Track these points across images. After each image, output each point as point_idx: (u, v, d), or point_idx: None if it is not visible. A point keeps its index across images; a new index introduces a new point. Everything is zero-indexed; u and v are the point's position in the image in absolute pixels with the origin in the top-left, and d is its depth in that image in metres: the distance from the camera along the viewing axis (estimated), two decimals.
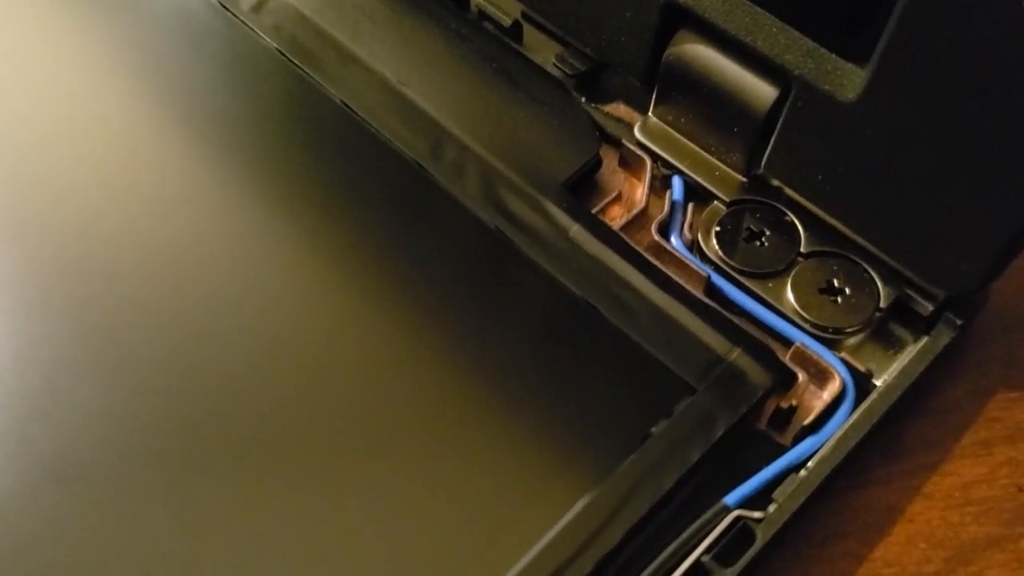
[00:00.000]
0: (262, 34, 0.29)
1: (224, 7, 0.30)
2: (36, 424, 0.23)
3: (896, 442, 0.25)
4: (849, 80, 0.23)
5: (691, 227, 0.27)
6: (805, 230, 0.26)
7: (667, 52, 0.26)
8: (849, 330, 0.25)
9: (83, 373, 0.24)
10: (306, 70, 0.29)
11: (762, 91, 0.25)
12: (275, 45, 0.29)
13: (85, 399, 0.24)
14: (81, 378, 0.24)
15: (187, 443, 0.24)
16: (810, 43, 0.24)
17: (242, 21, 0.30)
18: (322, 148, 0.28)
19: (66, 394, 0.24)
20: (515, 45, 0.30)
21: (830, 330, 0.25)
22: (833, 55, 0.24)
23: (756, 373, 0.24)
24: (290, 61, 0.29)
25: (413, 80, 0.28)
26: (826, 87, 0.24)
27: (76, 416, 0.24)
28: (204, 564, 0.22)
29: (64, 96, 0.29)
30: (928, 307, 0.25)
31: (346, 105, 0.28)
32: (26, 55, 0.30)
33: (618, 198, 0.27)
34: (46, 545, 0.22)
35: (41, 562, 0.22)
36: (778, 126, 0.25)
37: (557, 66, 0.29)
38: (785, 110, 0.25)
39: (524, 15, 0.30)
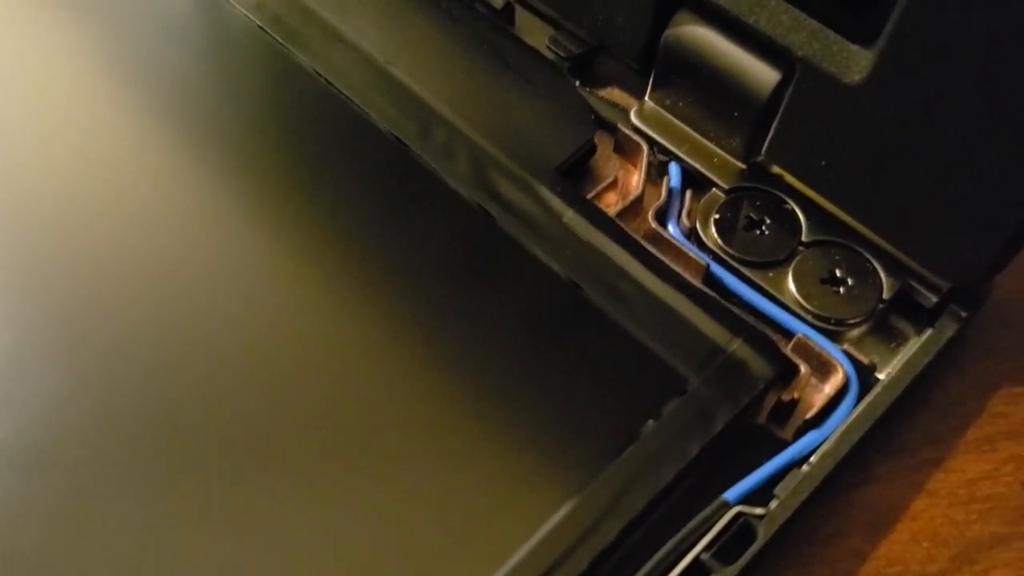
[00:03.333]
0: (244, 10, 0.28)
1: None
2: None
3: (899, 437, 0.24)
4: (855, 62, 0.23)
5: (689, 215, 0.26)
6: (806, 219, 0.25)
7: (665, 34, 0.25)
8: (851, 321, 0.24)
9: (47, 356, 0.23)
10: (289, 48, 0.27)
11: (764, 74, 0.24)
12: (257, 22, 0.28)
13: (49, 383, 0.23)
14: (45, 361, 0.23)
15: (157, 429, 0.22)
16: (815, 23, 0.23)
17: None
18: (305, 128, 0.27)
19: (28, 377, 0.23)
20: (507, 27, 0.29)
21: (832, 321, 0.24)
22: (839, 36, 0.23)
23: (757, 364, 0.23)
24: (273, 39, 0.28)
25: (401, 59, 0.27)
26: (831, 69, 0.23)
27: (38, 400, 0.22)
28: (172, 555, 0.21)
29: (39, 74, 0.28)
30: (932, 298, 0.24)
31: (331, 84, 0.27)
32: None
33: (613, 185, 0.26)
34: (3, 533, 0.21)
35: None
36: (780, 110, 0.24)
37: (550, 48, 0.28)
38: (788, 94, 0.24)
39: None
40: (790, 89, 0.24)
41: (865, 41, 0.22)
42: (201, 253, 0.25)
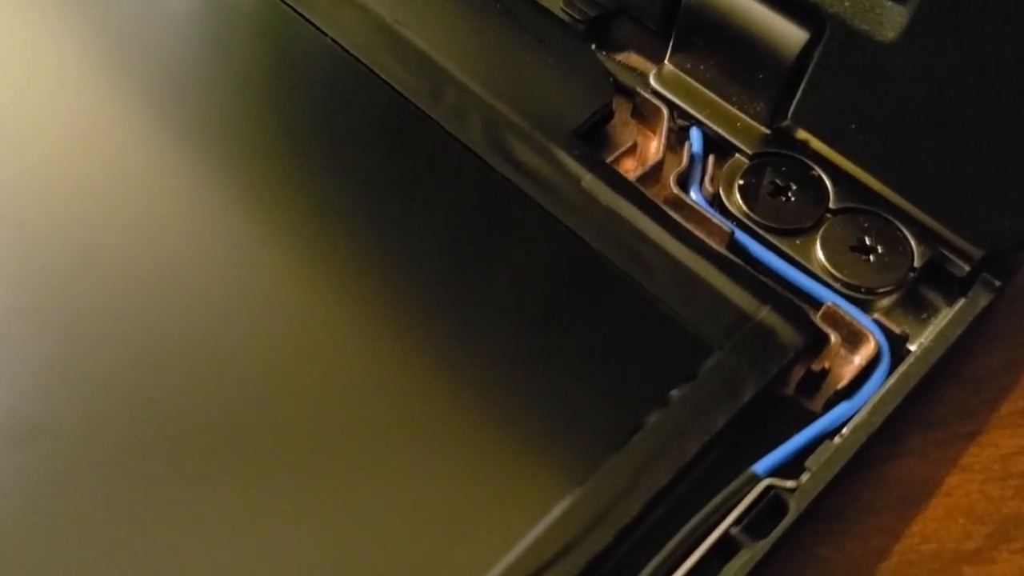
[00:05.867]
0: None
1: None
2: None
3: (931, 411, 0.23)
4: (889, 18, 0.22)
5: (712, 181, 0.25)
6: (833, 185, 0.24)
7: None
8: (882, 290, 0.23)
9: (35, 324, 0.22)
10: (294, 7, 0.26)
11: (792, 34, 0.23)
12: None
13: (37, 353, 0.21)
14: (33, 330, 0.22)
15: (149, 400, 0.21)
16: None
17: None
18: (312, 89, 0.25)
19: (15, 348, 0.21)
20: None
21: (862, 290, 0.23)
22: None
23: (787, 333, 0.22)
24: None
25: (410, 18, 0.26)
26: (864, 26, 0.22)
27: (28, 371, 0.21)
28: (164, 534, 0.20)
29: (34, 52, 0.26)
30: (964, 267, 0.23)
31: (338, 44, 0.26)
32: None
33: (632, 150, 0.25)
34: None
35: None
36: (808, 71, 0.23)
37: (565, 11, 0.27)
38: (817, 54, 0.23)
39: None
40: (819, 49, 0.23)
41: None
42: (205, 219, 0.24)
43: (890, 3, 0.22)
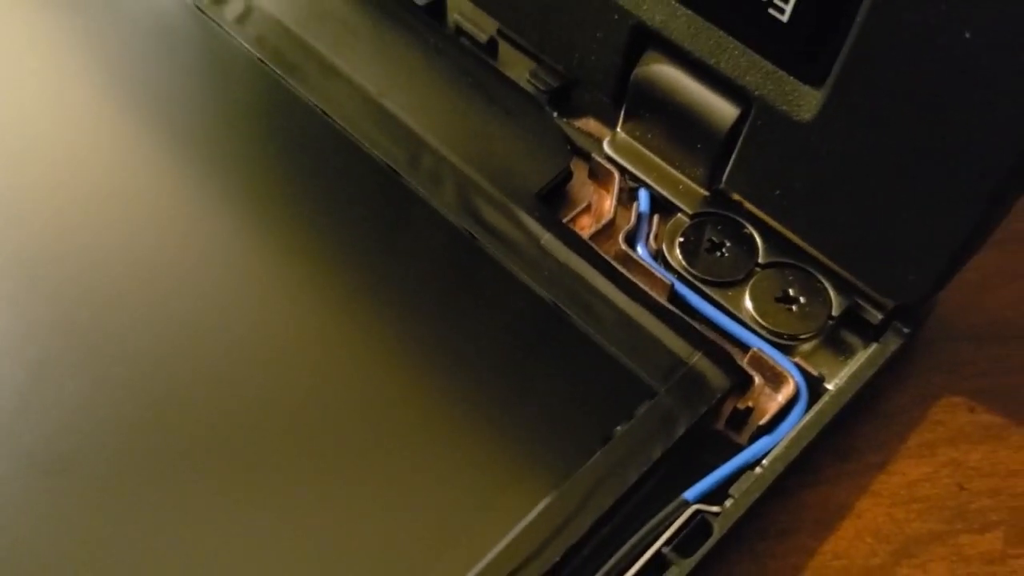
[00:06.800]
0: (246, 44, 0.30)
1: (209, 17, 0.31)
2: (22, 418, 0.24)
3: (846, 443, 0.26)
4: (806, 101, 0.25)
5: (656, 238, 0.28)
6: (763, 242, 0.27)
7: (635, 71, 0.27)
8: (803, 337, 0.26)
9: (68, 369, 0.25)
10: (288, 80, 0.30)
11: (724, 110, 0.26)
12: (258, 55, 0.30)
13: (70, 394, 0.25)
14: (66, 374, 0.25)
15: (169, 436, 0.24)
16: (770, 65, 0.25)
17: (226, 31, 0.31)
18: (302, 156, 0.29)
19: (51, 389, 0.25)
20: (490, 61, 0.31)
21: (785, 336, 0.26)
22: (791, 77, 0.25)
23: (716, 376, 0.25)
24: (272, 71, 0.30)
25: (392, 92, 0.29)
26: (784, 107, 0.25)
27: (61, 410, 0.24)
28: (185, 551, 0.23)
29: (48, 104, 0.30)
30: (877, 316, 0.26)
31: (326, 114, 0.29)
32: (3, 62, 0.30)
33: (587, 209, 0.29)
34: (32, 534, 0.23)
35: (27, 550, 0.23)
36: (738, 144, 0.26)
37: (530, 82, 0.30)
38: (745, 129, 0.26)
39: (500, 32, 0.31)
40: (747, 125, 0.26)
41: (815, 82, 0.24)
42: (205, 275, 0.27)
43: (806, 88, 0.25)
